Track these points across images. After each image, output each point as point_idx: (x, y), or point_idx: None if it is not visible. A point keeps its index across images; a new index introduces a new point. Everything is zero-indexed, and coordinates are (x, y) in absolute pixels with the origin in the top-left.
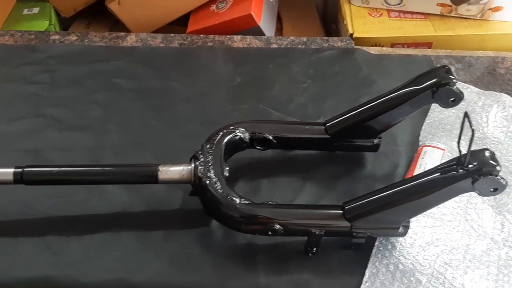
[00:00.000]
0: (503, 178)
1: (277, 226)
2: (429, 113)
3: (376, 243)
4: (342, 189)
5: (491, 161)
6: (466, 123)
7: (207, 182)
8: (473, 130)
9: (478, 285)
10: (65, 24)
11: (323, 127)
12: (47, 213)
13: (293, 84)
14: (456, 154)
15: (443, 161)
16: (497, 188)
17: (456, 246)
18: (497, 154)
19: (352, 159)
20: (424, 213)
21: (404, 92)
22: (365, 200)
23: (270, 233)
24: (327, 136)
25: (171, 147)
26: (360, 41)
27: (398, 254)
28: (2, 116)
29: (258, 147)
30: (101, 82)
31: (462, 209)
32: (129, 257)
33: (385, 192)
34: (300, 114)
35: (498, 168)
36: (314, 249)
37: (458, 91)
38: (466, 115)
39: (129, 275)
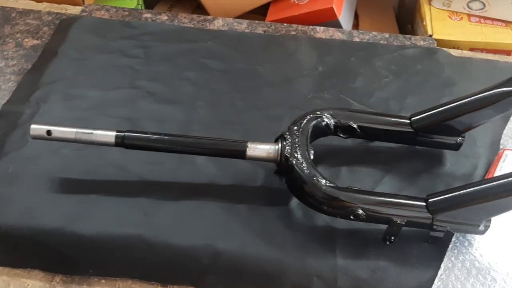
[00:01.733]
0: None
1: (360, 211)
2: (511, 117)
3: (453, 239)
4: (421, 184)
5: None
6: None
7: (294, 162)
8: None
9: None
10: (149, 5)
11: (408, 121)
12: (140, 177)
13: (374, 78)
14: None
15: None
16: None
17: None
18: None
19: (432, 156)
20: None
21: (490, 95)
22: (450, 195)
23: (352, 217)
24: (411, 130)
25: (255, 127)
26: (439, 43)
27: (474, 252)
28: (100, 84)
29: (341, 134)
30: (191, 61)
31: None
32: (216, 225)
33: (470, 188)
34: (380, 107)
35: None
36: (393, 238)
37: None
38: None
39: (215, 242)
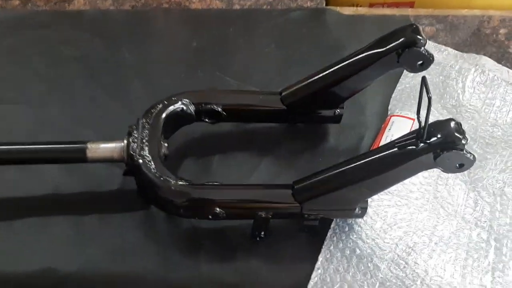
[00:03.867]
0: (469, 153)
1: (218, 210)
2: (401, 79)
3: (332, 225)
4: (301, 166)
5: (455, 134)
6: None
7: (140, 161)
8: (429, 98)
9: (443, 271)
10: None
11: (278, 97)
12: None
13: (255, 50)
14: None
15: None
16: (463, 164)
17: (422, 228)
18: (473, 124)
19: (314, 132)
20: (388, 190)
21: (365, 56)
22: (316, 179)
23: (210, 217)
24: (283, 107)
25: (117, 125)
26: (333, 1)
27: (355, 237)
28: None
29: (207, 120)
30: (42, 51)
31: (431, 186)
32: (60, 244)
33: (336, 170)
34: (262, 83)
35: (463, 141)
36: (262, 233)
37: (426, 53)
38: (423, 80)
39: (57, 265)
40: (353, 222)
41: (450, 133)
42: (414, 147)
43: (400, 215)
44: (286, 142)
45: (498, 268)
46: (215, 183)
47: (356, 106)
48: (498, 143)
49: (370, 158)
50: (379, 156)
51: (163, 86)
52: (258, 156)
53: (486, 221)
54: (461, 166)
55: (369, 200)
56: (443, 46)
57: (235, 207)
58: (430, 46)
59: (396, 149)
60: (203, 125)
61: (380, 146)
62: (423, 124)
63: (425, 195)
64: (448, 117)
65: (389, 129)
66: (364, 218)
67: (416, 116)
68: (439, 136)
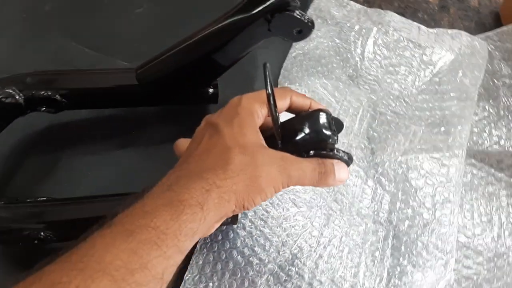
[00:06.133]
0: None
1: (43, 233)
2: (294, 44)
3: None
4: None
5: (323, 131)
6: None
7: None
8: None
9: (331, 283)
10: None
11: (133, 75)
12: None
13: (122, 10)
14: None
15: None
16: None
17: (310, 228)
18: (372, 98)
19: (192, 114)
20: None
21: (228, 25)
22: None
23: (36, 242)
24: (139, 89)
25: None
26: None
27: (229, 247)
28: None
29: (43, 108)
30: None
31: None
32: None
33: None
34: (130, 54)
35: (332, 140)
36: None
37: (303, 18)
38: (264, 66)
39: None
40: (228, 228)
41: (315, 131)
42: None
43: (285, 214)
44: (156, 128)
45: (394, 274)
46: (42, 199)
47: (242, 79)
48: (402, 119)
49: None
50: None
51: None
52: (118, 149)
53: (384, 215)
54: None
55: None
56: (346, 0)
57: (67, 229)
58: (330, 1)
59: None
60: (44, 115)
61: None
62: None
63: (315, 188)
64: (349, 87)
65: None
66: (243, 221)
67: (271, 108)
68: (302, 135)
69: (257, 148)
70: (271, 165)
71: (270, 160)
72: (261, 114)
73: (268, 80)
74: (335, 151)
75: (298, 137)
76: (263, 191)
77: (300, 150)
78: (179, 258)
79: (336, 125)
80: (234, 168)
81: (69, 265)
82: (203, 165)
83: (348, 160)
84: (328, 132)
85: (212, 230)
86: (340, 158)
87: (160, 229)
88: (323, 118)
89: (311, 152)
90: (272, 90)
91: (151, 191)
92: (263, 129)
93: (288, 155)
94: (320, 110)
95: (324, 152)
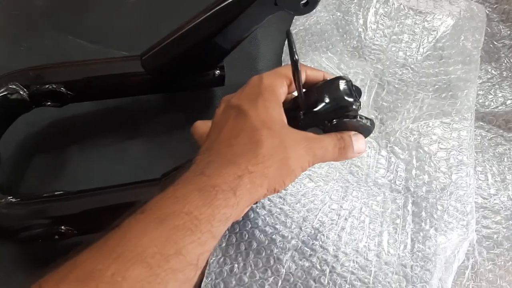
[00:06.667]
0: (365, 118)
1: (63, 228)
2: (294, 20)
3: None
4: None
5: (345, 97)
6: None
7: None
8: (295, 61)
9: (356, 254)
10: None
11: (139, 62)
12: None
13: (115, 3)
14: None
15: None
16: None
17: (329, 202)
18: (379, 67)
19: (197, 99)
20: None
21: (233, 3)
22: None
23: (57, 237)
24: (146, 75)
25: None
26: None
27: (251, 227)
28: None
29: (49, 103)
30: None
31: None
32: None
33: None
34: (127, 43)
35: (354, 106)
36: None
37: None
38: (288, 34)
39: None
40: (250, 212)
41: (337, 98)
42: (295, 121)
43: (303, 190)
44: (164, 116)
45: (417, 239)
46: (59, 193)
47: (245, 60)
48: (409, 86)
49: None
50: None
51: None
52: (126, 140)
53: (401, 183)
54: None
55: None
56: None
57: (87, 221)
58: None
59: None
60: (49, 110)
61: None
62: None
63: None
64: (354, 59)
65: None
66: (261, 200)
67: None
68: (324, 103)
69: (284, 129)
70: (298, 146)
71: (297, 141)
72: (283, 92)
73: (293, 46)
74: (358, 117)
75: (320, 106)
76: (293, 172)
77: (324, 118)
78: (213, 244)
79: (357, 91)
80: (265, 152)
81: (103, 253)
82: (233, 150)
83: (371, 126)
84: (350, 99)
85: (243, 214)
86: (364, 125)
87: (193, 215)
88: (343, 85)
89: (334, 120)
90: (298, 56)
91: (182, 176)
92: (283, 103)
93: (311, 134)
94: (340, 77)
95: (347, 119)
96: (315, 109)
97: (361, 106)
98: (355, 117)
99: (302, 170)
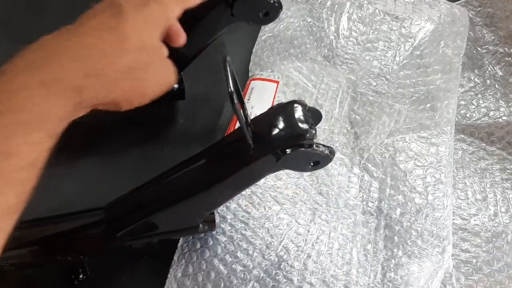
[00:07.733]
0: (321, 146)
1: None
2: (263, 26)
3: (180, 243)
4: (139, 164)
5: (299, 125)
6: None
7: None
8: (230, 93)
9: (322, 284)
10: None
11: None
12: None
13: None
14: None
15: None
16: (318, 161)
17: (295, 226)
18: (351, 78)
19: (158, 118)
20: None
21: (187, 12)
22: (124, 204)
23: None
24: None
25: None
26: None
27: (210, 256)
28: None
29: None
30: None
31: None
32: None
33: (145, 193)
34: None
35: (309, 134)
36: (80, 273)
37: None
38: (224, 61)
39: None
40: (206, 235)
41: (293, 124)
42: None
43: (267, 213)
44: (114, 137)
45: (389, 267)
46: None
47: (210, 71)
48: (384, 98)
49: (187, 172)
50: (203, 169)
51: None
52: (79, 160)
53: (374, 204)
54: (317, 164)
55: (228, 202)
56: None
57: (19, 256)
58: None
59: (223, 157)
60: None
61: (205, 151)
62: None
63: (298, 181)
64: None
65: (248, 100)
66: (222, 226)
67: (235, 108)
68: (276, 131)
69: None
70: None
71: None
72: (173, 15)
73: (229, 76)
74: (314, 146)
75: (272, 135)
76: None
77: (276, 148)
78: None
79: (313, 116)
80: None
81: None
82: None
83: (330, 155)
84: (305, 126)
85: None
86: (321, 153)
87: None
88: (298, 111)
89: (288, 150)
90: (236, 87)
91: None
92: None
93: None
94: (294, 101)
95: (302, 149)
96: (266, 138)
97: (334, 119)
98: (310, 146)
99: None
